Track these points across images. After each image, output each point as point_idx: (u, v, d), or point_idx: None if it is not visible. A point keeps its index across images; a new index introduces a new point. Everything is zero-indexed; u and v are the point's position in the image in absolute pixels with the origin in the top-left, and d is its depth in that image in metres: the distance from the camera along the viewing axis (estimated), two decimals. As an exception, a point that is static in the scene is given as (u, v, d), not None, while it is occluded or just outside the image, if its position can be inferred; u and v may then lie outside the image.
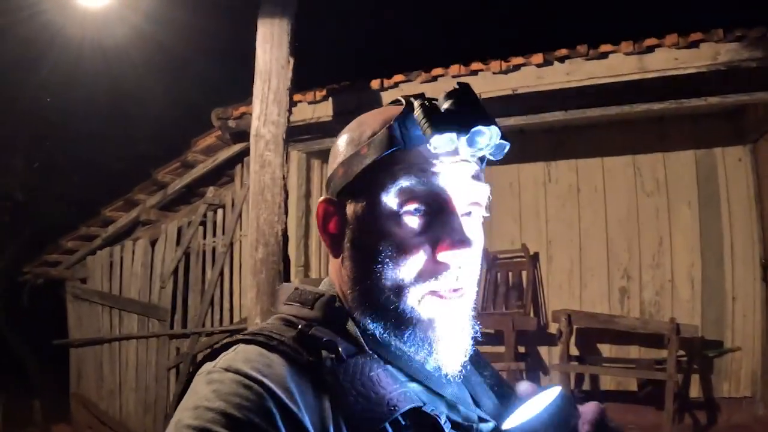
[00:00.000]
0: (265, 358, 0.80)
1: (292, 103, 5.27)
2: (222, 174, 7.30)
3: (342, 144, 0.94)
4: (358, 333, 0.88)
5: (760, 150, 6.15)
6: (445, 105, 0.84)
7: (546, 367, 6.94)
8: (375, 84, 5.96)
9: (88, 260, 7.62)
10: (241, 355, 0.81)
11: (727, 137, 6.40)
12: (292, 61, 5.00)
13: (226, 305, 6.97)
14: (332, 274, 0.98)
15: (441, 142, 0.82)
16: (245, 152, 6.56)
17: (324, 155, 6.86)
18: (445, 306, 0.87)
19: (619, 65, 5.10)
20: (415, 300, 0.86)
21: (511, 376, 6.48)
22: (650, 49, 4.98)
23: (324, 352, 0.82)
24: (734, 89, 5.02)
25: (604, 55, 5.14)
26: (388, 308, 0.87)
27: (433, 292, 0.86)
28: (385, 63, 6.57)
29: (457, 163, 0.86)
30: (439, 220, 0.86)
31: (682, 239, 6.55)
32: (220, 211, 7.17)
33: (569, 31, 6.23)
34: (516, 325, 6.49)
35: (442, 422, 0.82)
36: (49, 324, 7.79)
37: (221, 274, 7.01)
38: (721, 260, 6.36)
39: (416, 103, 0.85)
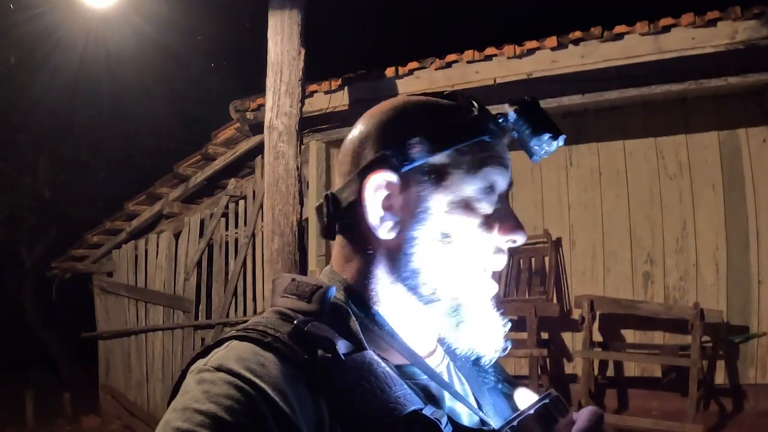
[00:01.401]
0: (258, 356, 0.76)
1: (308, 94, 5.28)
2: (242, 165, 7.36)
3: (420, 112, 0.91)
4: (359, 328, 0.84)
5: (784, 130, 6.01)
6: (513, 111, 0.92)
7: (569, 353, 6.88)
8: (390, 72, 5.94)
9: (113, 254, 7.76)
10: (234, 353, 0.77)
11: (750, 117, 6.24)
12: (303, 52, 5.01)
13: (249, 295, 7.04)
14: (338, 263, 0.94)
15: (541, 143, 0.90)
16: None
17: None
18: (492, 287, 0.90)
19: (635, 46, 5.00)
20: (474, 282, 0.88)
21: (533, 362, 6.46)
22: (666, 29, 4.87)
23: (320, 351, 0.78)
24: (755, 68, 4.90)
25: (620, 37, 5.04)
26: (446, 291, 0.87)
27: (489, 280, 0.90)
28: (399, 50, 6.56)
29: (508, 157, 0.92)
30: (502, 207, 0.90)
31: (706, 222, 6.43)
32: (241, 203, 7.23)
33: (583, 13, 6.13)
34: (538, 311, 6.45)
35: (443, 426, 0.78)
36: (77, 317, 7.96)
37: (244, 264, 7.07)
38: (747, 243, 6.23)
39: (511, 103, 0.92)
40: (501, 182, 0.90)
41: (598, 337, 6.56)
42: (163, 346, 7.23)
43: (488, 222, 0.88)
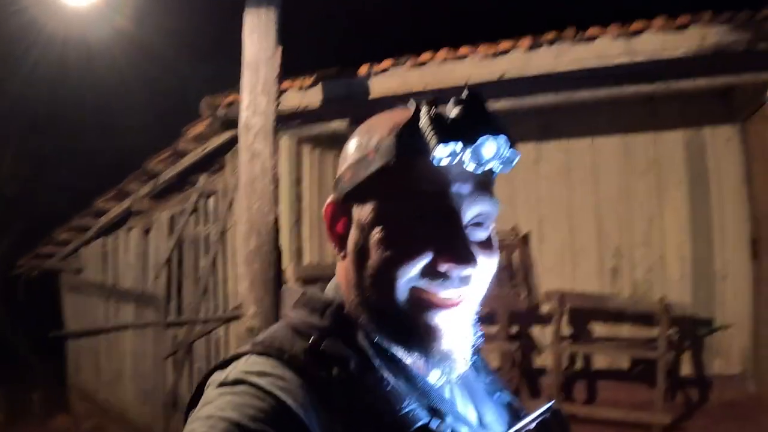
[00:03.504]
0: (277, 371, 0.80)
1: (281, 91, 5.25)
2: (213, 162, 7.28)
3: (351, 147, 0.93)
4: (367, 345, 0.87)
5: (749, 129, 6.16)
6: (452, 113, 0.82)
7: (539, 346, 7.01)
8: (363, 70, 5.93)
9: (81, 251, 7.64)
10: (255, 367, 0.80)
11: (716, 117, 6.41)
12: (279, 50, 4.98)
13: (221, 293, 6.99)
14: (339, 277, 0.97)
15: (445, 153, 0.80)
16: (235, 140, 6.48)
17: (314, 140, 6.88)
18: (445, 315, 0.86)
19: (607, 49, 5.08)
20: (414, 308, 0.85)
21: (504, 356, 6.56)
22: (638, 33, 4.96)
23: (335, 369, 0.81)
24: (723, 71, 5.02)
25: (592, 39, 5.10)
26: (387, 315, 0.87)
27: (433, 302, 0.86)
28: (373, 48, 6.53)
29: (465, 173, 0.84)
30: (443, 230, 0.84)
31: (672, 218, 6.59)
32: (212, 199, 7.17)
33: (557, 15, 6.19)
34: (508, 305, 6.56)
35: None
36: (45, 316, 7.82)
37: (215, 261, 7.02)
38: (711, 239, 6.41)
39: (423, 111, 0.83)
40: (434, 200, 0.84)
41: (567, 330, 6.69)
42: (134, 345, 7.15)
43: (417, 245, 0.84)
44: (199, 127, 6.88)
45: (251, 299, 4.79)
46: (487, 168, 0.85)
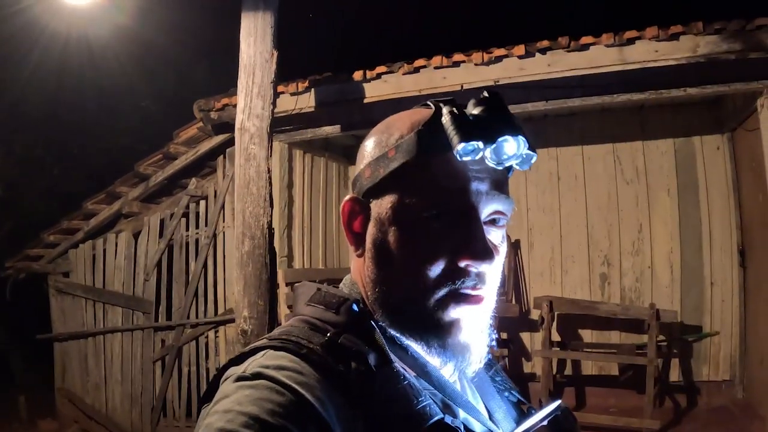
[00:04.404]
0: (296, 365, 0.79)
1: (276, 95, 5.25)
2: (204, 165, 7.27)
3: (370, 145, 0.95)
4: (384, 341, 0.86)
5: (737, 138, 6.25)
6: (473, 112, 0.85)
7: (528, 352, 7.04)
8: (357, 75, 5.95)
9: (70, 254, 7.58)
10: (272, 362, 0.80)
11: (705, 126, 6.50)
12: (275, 54, 4.98)
13: (210, 296, 6.96)
14: (355, 274, 0.98)
15: (467, 151, 0.82)
16: (227, 143, 6.55)
17: (306, 146, 6.88)
18: (463, 311, 0.87)
19: (600, 57, 5.14)
20: (434, 304, 0.86)
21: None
22: (631, 41, 5.02)
23: (353, 363, 0.81)
24: (713, 80, 5.08)
25: (585, 47, 5.17)
26: (406, 311, 0.88)
27: (453, 297, 0.86)
28: (367, 54, 6.56)
29: (483, 172, 0.87)
30: (462, 226, 0.86)
31: (661, 226, 6.66)
32: (202, 203, 7.14)
33: (551, 24, 6.26)
34: (498, 312, 6.53)
35: None
36: (32, 319, 7.75)
37: (205, 265, 6.99)
38: (700, 247, 6.48)
39: (445, 110, 0.86)
40: (453, 197, 0.86)
41: (556, 337, 6.73)
42: (122, 348, 7.09)
43: (437, 243, 0.86)
44: (190, 131, 6.87)
45: (244, 303, 4.78)
46: (506, 165, 0.87)
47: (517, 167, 0.89)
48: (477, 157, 0.83)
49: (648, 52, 4.99)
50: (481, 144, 0.82)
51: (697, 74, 5.05)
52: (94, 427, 7.12)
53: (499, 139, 0.83)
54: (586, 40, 5.15)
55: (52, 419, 7.39)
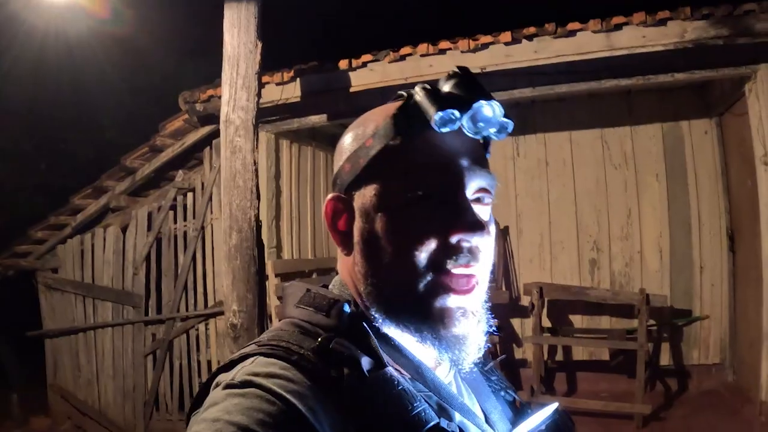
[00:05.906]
0: (286, 372, 0.77)
1: (260, 86, 5.20)
2: (190, 157, 7.21)
3: (347, 141, 0.94)
4: (377, 344, 0.84)
5: (725, 123, 6.25)
6: (445, 87, 0.85)
7: (519, 339, 7.06)
8: (343, 64, 5.90)
9: (58, 249, 7.52)
10: (263, 369, 0.78)
11: (693, 110, 6.50)
12: (260, 45, 4.93)
13: (200, 289, 6.93)
14: (344, 274, 0.96)
15: (444, 120, 0.81)
16: (213, 135, 6.50)
17: (293, 135, 6.84)
18: (457, 300, 0.85)
19: (587, 43, 5.11)
20: (427, 288, 0.84)
21: (484, 348, 6.59)
22: (618, 27, 4.99)
23: (346, 369, 0.79)
24: (701, 65, 5.07)
25: (572, 33, 5.13)
26: (400, 300, 0.86)
27: (447, 279, 0.85)
28: (353, 42, 6.51)
29: (462, 148, 0.86)
30: (450, 202, 0.85)
31: (650, 211, 6.67)
32: (190, 195, 7.09)
33: (537, 10, 6.21)
34: (488, 298, 6.57)
35: None
36: (22, 316, 7.69)
37: (194, 258, 6.96)
38: (689, 231, 6.50)
39: (417, 89, 0.86)
40: (437, 176, 0.85)
41: (547, 323, 6.76)
42: (113, 343, 7.05)
43: (425, 224, 0.84)
44: (176, 123, 6.81)
45: (233, 297, 4.76)
46: (485, 134, 0.86)
47: (494, 137, 0.89)
48: (455, 127, 0.83)
49: (635, 37, 4.96)
50: (457, 113, 0.82)
51: (685, 59, 5.04)
52: (88, 422, 7.10)
53: (474, 105, 0.83)
54: (573, 26, 5.12)
55: (45, 416, 7.36)
